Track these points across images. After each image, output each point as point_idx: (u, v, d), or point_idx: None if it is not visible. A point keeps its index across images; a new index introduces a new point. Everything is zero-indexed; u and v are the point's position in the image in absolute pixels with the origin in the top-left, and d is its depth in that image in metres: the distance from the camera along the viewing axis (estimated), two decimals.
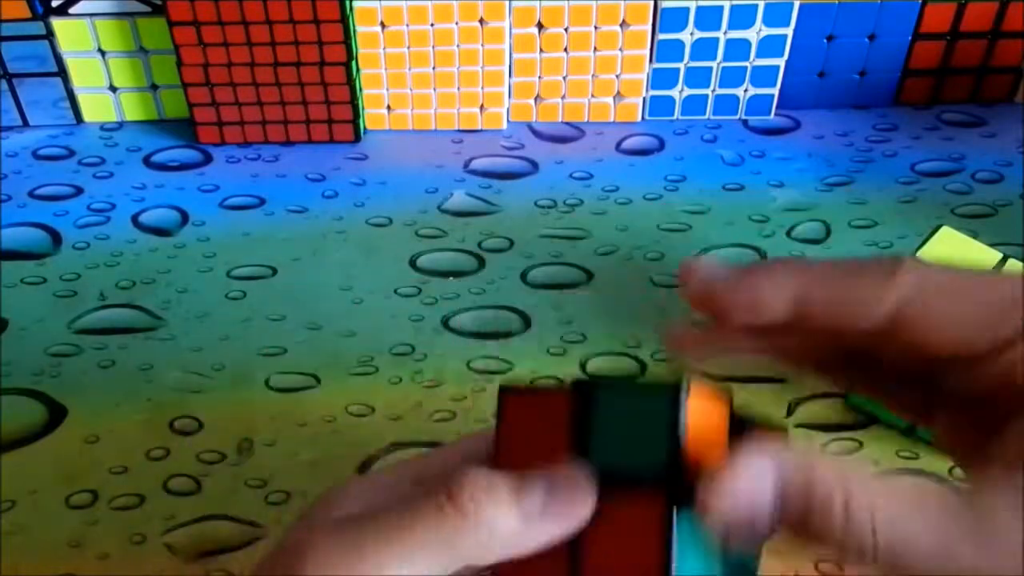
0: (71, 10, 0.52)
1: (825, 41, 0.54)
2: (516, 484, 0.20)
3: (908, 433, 0.36)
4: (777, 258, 0.23)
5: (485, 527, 0.20)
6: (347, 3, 0.49)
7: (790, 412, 0.38)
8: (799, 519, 0.19)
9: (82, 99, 0.55)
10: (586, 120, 0.55)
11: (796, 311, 0.22)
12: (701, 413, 0.21)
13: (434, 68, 0.53)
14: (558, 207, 0.49)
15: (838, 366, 0.24)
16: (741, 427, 0.21)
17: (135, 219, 0.48)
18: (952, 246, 0.36)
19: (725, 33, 0.52)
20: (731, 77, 0.54)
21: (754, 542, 0.20)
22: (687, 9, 0.51)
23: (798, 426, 0.37)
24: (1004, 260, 0.36)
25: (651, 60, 0.53)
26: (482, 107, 0.54)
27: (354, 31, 0.51)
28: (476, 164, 0.52)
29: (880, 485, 0.19)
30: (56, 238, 0.47)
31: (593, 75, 0.54)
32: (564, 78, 0.54)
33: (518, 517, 0.20)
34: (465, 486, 0.20)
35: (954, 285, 0.21)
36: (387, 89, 0.53)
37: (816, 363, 0.24)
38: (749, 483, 0.19)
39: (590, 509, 0.20)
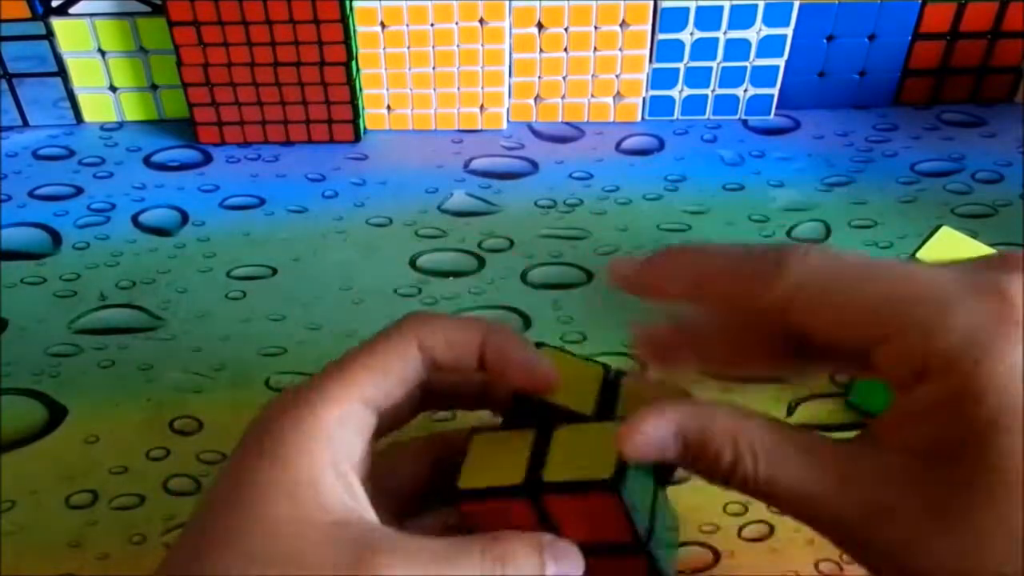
0: (71, 10, 0.52)
1: (825, 41, 0.54)
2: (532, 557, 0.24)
3: None
4: (679, 245, 0.26)
5: None
6: (347, 3, 0.49)
7: (790, 412, 0.38)
8: (696, 454, 0.23)
9: (82, 99, 0.55)
10: (586, 120, 0.55)
11: (694, 292, 0.25)
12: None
13: (434, 68, 0.53)
14: (558, 207, 0.49)
15: (777, 358, 0.27)
16: None
17: (135, 219, 0.48)
18: (952, 246, 0.36)
19: (725, 33, 0.52)
20: (731, 77, 0.54)
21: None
22: (687, 9, 0.51)
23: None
24: None
25: (651, 60, 0.53)
26: (482, 107, 0.54)
27: (354, 31, 0.51)
28: (476, 164, 0.52)
29: (766, 428, 0.23)
30: (56, 238, 0.47)
31: (593, 75, 0.54)
32: (564, 78, 0.54)
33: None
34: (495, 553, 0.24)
35: (835, 281, 0.23)
36: (387, 89, 0.53)
37: (758, 361, 0.27)
38: (655, 430, 0.23)
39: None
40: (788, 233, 0.47)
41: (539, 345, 0.28)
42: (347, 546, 0.23)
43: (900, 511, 0.21)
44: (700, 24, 0.52)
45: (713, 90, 0.55)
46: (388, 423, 0.28)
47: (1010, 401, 0.21)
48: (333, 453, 0.25)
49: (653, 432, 0.23)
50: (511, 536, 0.25)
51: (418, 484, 0.29)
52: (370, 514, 0.25)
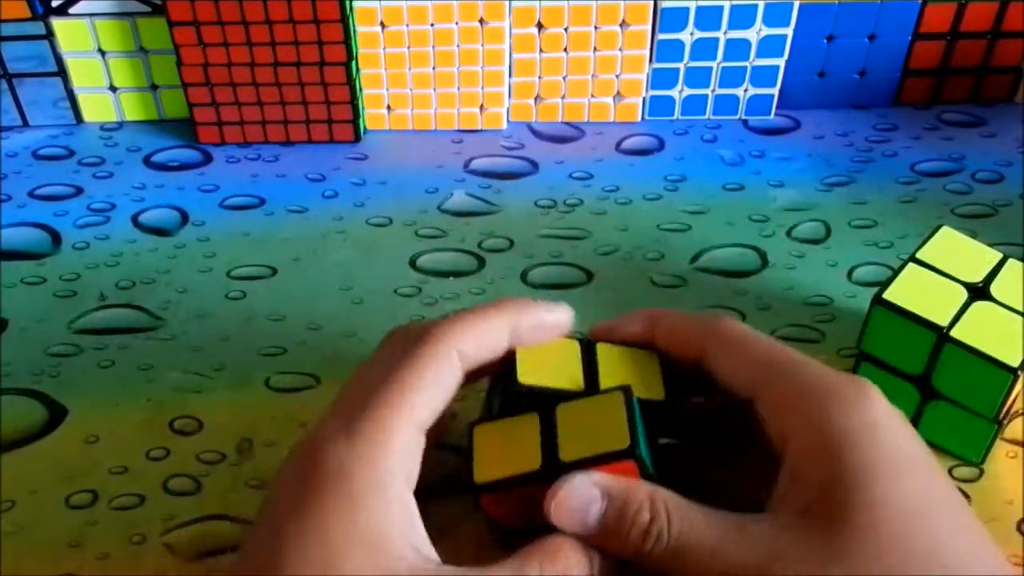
0: (71, 10, 0.52)
1: (825, 41, 0.54)
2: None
3: None
4: (644, 309, 0.32)
5: None
6: (347, 3, 0.49)
7: None
8: (619, 512, 0.25)
9: (82, 99, 0.55)
10: (586, 120, 0.55)
11: (647, 338, 0.30)
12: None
13: (434, 68, 0.53)
14: (558, 207, 0.49)
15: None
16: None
17: (135, 219, 0.48)
18: (952, 246, 0.36)
19: (725, 33, 0.52)
20: (731, 77, 0.54)
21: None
22: (687, 9, 0.51)
23: None
24: (1004, 260, 0.36)
25: (651, 60, 0.53)
26: (482, 107, 0.54)
27: (354, 31, 0.51)
28: (476, 164, 0.52)
29: (675, 495, 0.25)
30: (56, 238, 0.47)
31: (593, 75, 0.54)
32: (564, 78, 0.54)
33: None
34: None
35: (737, 344, 0.28)
36: (387, 89, 0.53)
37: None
38: (581, 499, 0.25)
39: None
40: (788, 233, 0.47)
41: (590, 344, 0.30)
42: None
43: (791, 557, 0.23)
44: (700, 24, 0.52)
45: (713, 90, 0.55)
46: (431, 434, 0.27)
47: (865, 457, 0.24)
48: (399, 488, 0.24)
49: (582, 491, 0.25)
50: (560, 543, 0.25)
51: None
52: (433, 554, 0.24)
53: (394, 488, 0.24)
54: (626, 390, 0.27)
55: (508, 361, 0.29)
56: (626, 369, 0.30)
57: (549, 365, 0.28)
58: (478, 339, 0.27)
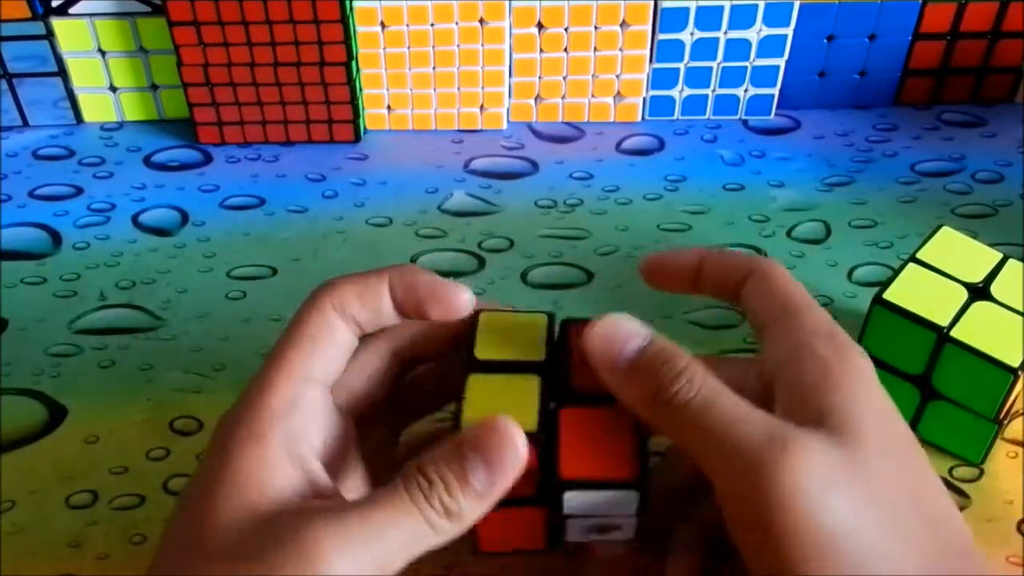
0: (71, 10, 0.52)
1: (825, 41, 0.54)
2: (460, 474, 0.24)
3: None
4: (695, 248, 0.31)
5: (452, 519, 0.24)
6: (347, 3, 0.49)
7: None
8: (651, 357, 0.25)
9: (82, 99, 0.55)
10: (586, 120, 0.55)
11: (697, 274, 0.30)
12: None
13: (434, 68, 0.53)
14: (558, 207, 0.49)
15: None
16: None
17: (135, 219, 0.48)
18: (952, 246, 0.36)
19: (725, 33, 0.52)
20: (731, 77, 0.54)
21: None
22: (687, 9, 0.51)
23: None
24: (1004, 260, 0.36)
25: (651, 60, 0.53)
26: (482, 107, 0.54)
27: (354, 31, 0.51)
28: (476, 164, 0.52)
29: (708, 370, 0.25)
30: (56, 238, 0.47)
31: (593, 75, 0.54)
32: (564, 78, 0.54)
33: (475, 498, 0.24)
34: (421, 487, 0.24)
35: (768, 279, 0.29)
36: (387, 89, 0.53)
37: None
38: (623, 332, 0.26)
39: (523, 449, 0.24)
40: (788, 233, 0.47)
41: (479, 313, 0.29)
42: (288, 532, 0.23)
43: (813, 450, 0.23)
44: (700, 24, 0.52)
45: (713, 90, 0.55)
46: (352, 401, 0.28)
47: (861, 399, 0.25)
48: (285, 436, 0.25)
49: (626, 324, 0.26)
50: (433, 452, 0.25)
51: (380, 387, 0.29)
52: (325, 493, 0.25)
53: (272, 435, 0.25)
54: (549, 315, 0.28)
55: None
56: (508, 340, 0.29)
57: (516, 339, 0.28)
58: (353, 289, 0.27)
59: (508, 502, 0.25)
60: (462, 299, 0.28)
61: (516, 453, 0.24)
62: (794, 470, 0.22)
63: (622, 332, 0.26)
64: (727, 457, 0.24)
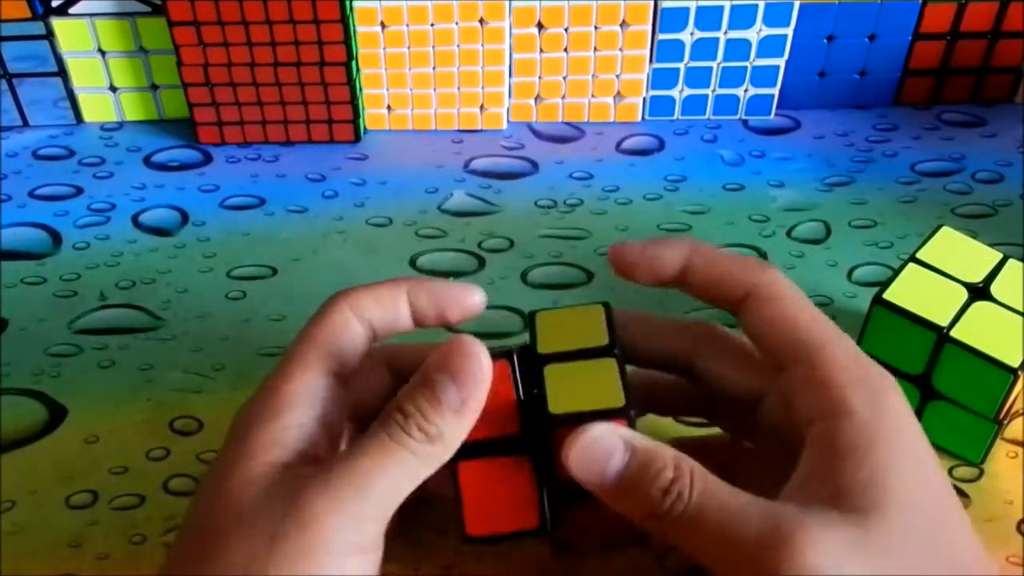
0: (71, 10, 0.52)
1: (825, 41, 0.54)
2: (431, 397, 0.24)
3: None
4: (674, 237, 0.30)
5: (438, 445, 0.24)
6: (347, 3, 0.49)
7: None
8: (641, 466, 0.24)
9: (82, 99, 0.55)
10: (586, 120, 0.55)
11: (682, 276, 0.28)
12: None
13: (434, 68, 0.53)
14: (558, 207, 0.49)
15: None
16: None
17: (135, 219, 0.48)
18: (952, 246, 0.36)
19: (725, 33, 0.52)
20: (731, 77, 0.54)
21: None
22: (687, 9, 0.51)
23: None
24: (1004, 260, 0.36)
25: (651, 60, 0.53)
26: (482, 107, 0.54)
27: (354, 31, 0.51)
28: (476, 164, 0.52)
29: (698, 464, 0.25)
30: (56, 238, 0.47)
31: (593, 75, 0.54)
32: (564, 78, 0.54)
33: (452, 417, 0.24)
34: (398, 422, 0.24)
35: (778, 303, 0.27)
36: (387, 89, 0.53)
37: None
38: (604, 448, 0.25)
39: (487, 360, 0.25)
40: (788, 233, 0.47)
41: (533, 314, 0.30)
42: (283, 499, 0.23)
43: (821, 540, 0.22)
44: (700, 24, 0.52)
45: (713, 90, 0.55)
46: (367, 403, 0.29)
47: (893, 453, 0.24)
48: (299, 417, 0.25)
49: (605, 440, 0.25)
50: (405, 387, 0.25)
51: (379, 399, 0.29)
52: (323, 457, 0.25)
53: (287, 415, 0.25)
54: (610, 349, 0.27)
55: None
56: (569, 333, 0.29)
57: (577, 329, 0.28)
58: (372, 294, 0.28)
59: (492, 449, 0.26)
60: (475, 298, 0.29)
61: (480, 363, 0.25)
62: (800, 560, 0.22)
63: (601, 451, 0.25)
64: (731, 557, 0.23)
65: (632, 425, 0.25)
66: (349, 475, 0.23)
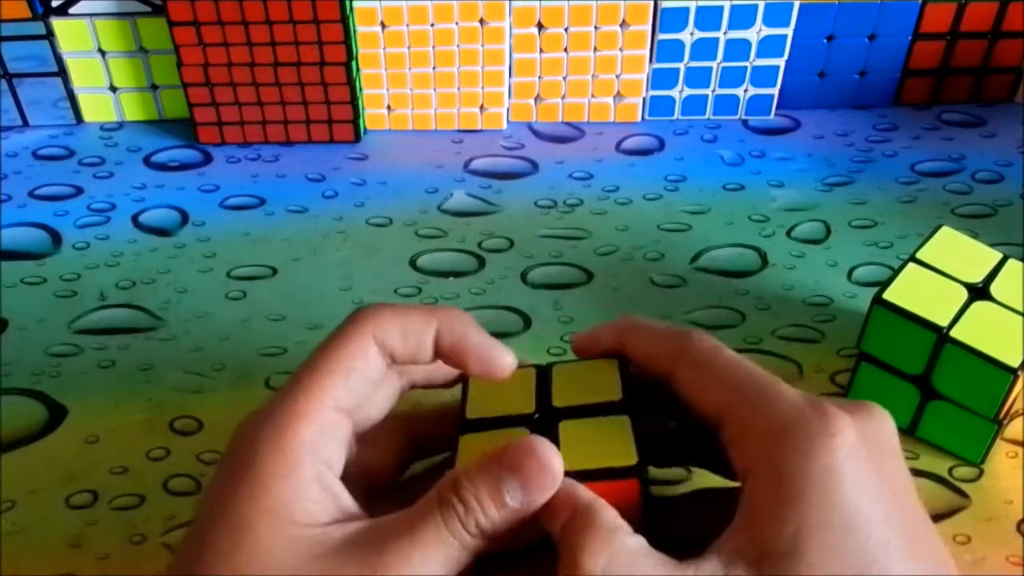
0: (71, 10, 0.52)
1: (825, 41, 0.54)
2: (495, 495, 0.24)
3: (908, 433, 0.36)
4: (621, 319, 0.30)
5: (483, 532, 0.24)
6: (347, 3, 0.49)
7: None
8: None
9: (82, 99, 0.55)
10: (586, 120, 0.55)
11: (619, 348, 0.29)
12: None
13: (434, 68, 0.53)
14: (558, 207, 0.49)
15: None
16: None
17: (135, 219, 0.48)
18: (952, 246, 0.36)
19: (725, 33, 0.52)
20: (731, 77, 0.54)
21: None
22: (687, 9, 0.51)
23: None
24: (1004, 260, 0.36)
25: (651, 60, 0.53)
26: (482, 107, 0.54)
27: (354, 31, 0.51)
28: (476, 164, 0.52)
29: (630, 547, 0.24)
30: (56, 238, 0.47)
31: (593, 75, 0.54)
32: (564, 78, 0.54)
33: (508, 514, 0.24)
34: (458, 513, 0.24)
35: (704, 367, 0.27)
36: (387, 89, 0.53)
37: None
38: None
39: (559, 466, 0.24)
40: (788, 233, 0.47)
41: (549, 366, 0.30)
42: (336, 554, 0.23)
43: None
44: (700, 24, 0.52)
45: (713, 90, 0.55)
46: (362, 423, 0.28)
47: (820, 510, 0.23)
48: (317, 468, 0.25)
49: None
50: (468, 472, 0.25)
51: (390, 464, 0.29)
52: (357, 516, 0.25)
53: (305, 467, 0.25)
54: (624, 405, 0.27)
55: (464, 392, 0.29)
56: (582, 386, 0.29)
57: (502, 394, 0.28)
58: (400, 325, 0.27)
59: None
60: (505, 361, 0.28)
61: (553, 473, 0.24)
62: None
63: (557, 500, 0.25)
64: None
65: (645, 485, 0.25)
66: (398, 559, 0.23)
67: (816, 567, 0.22)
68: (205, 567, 0.24)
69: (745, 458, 0.25)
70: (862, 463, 0.24)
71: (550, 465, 0.24)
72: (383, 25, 0.51)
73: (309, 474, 0.25)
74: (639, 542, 0.23)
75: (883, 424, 0.26)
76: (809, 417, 0.24)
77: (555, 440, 0.26)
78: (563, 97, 0.54)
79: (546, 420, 0.27)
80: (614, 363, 0.29)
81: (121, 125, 0.56)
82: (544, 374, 0.29)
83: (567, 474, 0.25)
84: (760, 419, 0.25)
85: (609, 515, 0.24)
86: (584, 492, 0.25)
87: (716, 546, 0.24)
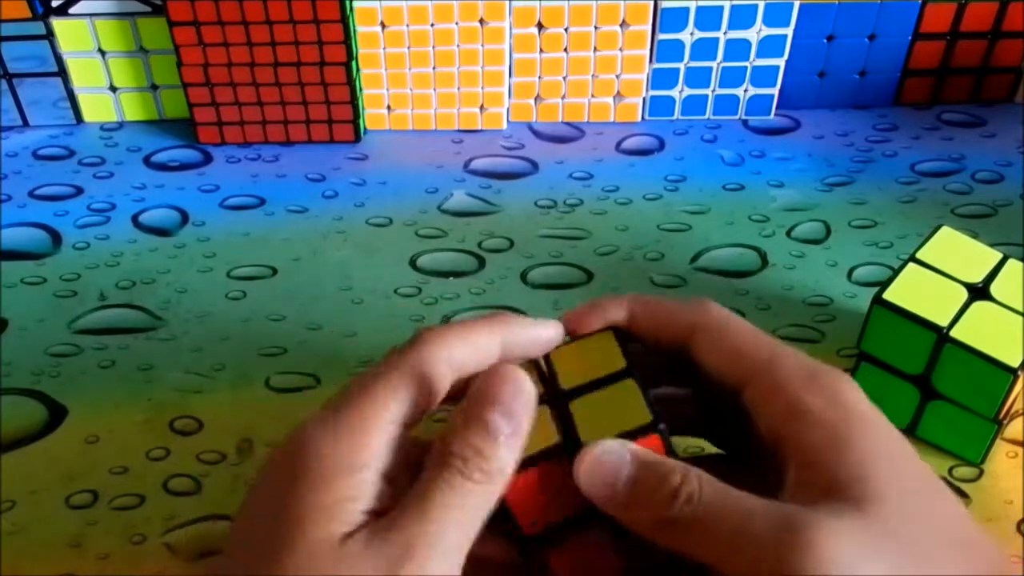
0: (71, 10, 0.52)
1: (825, 41, 0.54)
2: (484, 436, 0.24)
3: (908, 433, 0.36)
4: (623, 295, 0.31)
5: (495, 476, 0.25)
6: (347, 3, 0.49)
7: None
8: (646, 472, 0.25)
9: (82, 99, 0.55)
10: (586, 120, 0.55)
11: (630, 321, 0.29)
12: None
13: (434, 68, 0.53)
14: (558, 207, 0.49)
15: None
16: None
17: (135, 219, 0.48)
18: (952, 246, 0.36)
19: (725, 33, 0.52)
20: (731, 77, 0.54)
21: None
22: (687, 9, 0.51)
23: None
24: (1004, 260, 0.36)
25: (651, 60, 0.53)
26: (482, 107, 0.54)
27: (354, 31, 0.51)
28: (476, 164, 0.52)
29: (704, 472, 0.25)
30: (56, 238, 0.47)
31: (593, 75, 0.54)
32: (564, 78, 0.54)
33: (507, 450, 0.25)
34: (459, 468, 0.24)
35: (723, 333, 0.28)
36: (387, 89, 0.53)
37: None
38: (612, 462, 0.25)
39: (529, 384, 0.25)
40: (788, 233, 0.47)
41: (547, 356, 0.30)
42: (383, 549, 0.23)
43: (829, 532, 0.23)
44: (700, 24, 0.52)
45: (713, 90, 0.55)
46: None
47: (869, 444, 0.25)
48: (372, 475, 0.25)
49: (613, 453, 0.25)
50: (452, 428, 0.25)
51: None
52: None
53: (367, 474, 0.25)
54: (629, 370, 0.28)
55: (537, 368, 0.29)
56: (584, 363, 0.29)
57: (593, 360, 0.29)
58: (469, 349, 0.27)
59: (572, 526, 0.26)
60: (553, 331, 0.29)
61: (524, 388, 0.25)
62: (816, 554, 0.22)
63: (610, 463, 0.25)
64: (744, 556, 0.23)
65: (665, 438, 0.26)
66: (425, 536, 0.23)
67: (883, 487, 0.23)
68: (264, 561, 0.24)
69: (777, 412, 0.26)
70: (875, 407, 0.26)
71: (521, 381, 0.25)
72: (383, 25, 0.51)
73: (368, 477, 0.25)
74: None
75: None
76: (826, 371, 0.26)
77: (569, 421, 0.27)
78: (563, 97, 0.54)
79: (558, 404, 0.28)
80: (610, 335, 0.29)
81: (121, 125, 0.56)
82: (547, 358, 0.30)
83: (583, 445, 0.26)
84: (785, 374, 0.26)
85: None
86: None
87: (784, 497, 0.24)
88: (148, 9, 0.52)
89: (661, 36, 0.52)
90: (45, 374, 0.40)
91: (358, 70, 0.52)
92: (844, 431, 0.25)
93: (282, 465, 0.25)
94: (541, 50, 0.53)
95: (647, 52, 0.53)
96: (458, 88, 0.53)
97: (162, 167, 0.52)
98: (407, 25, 0.51)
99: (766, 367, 0.27)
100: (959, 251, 0.36)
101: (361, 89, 0.53)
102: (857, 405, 0.25)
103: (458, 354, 0.27)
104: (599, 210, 0.49)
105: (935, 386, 0.34)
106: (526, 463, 0.26)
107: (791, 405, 0.25)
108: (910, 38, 0.54)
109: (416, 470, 0.26)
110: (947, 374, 0.34)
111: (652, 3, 0.51)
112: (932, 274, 0.35)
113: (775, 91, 0.55)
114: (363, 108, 0.54)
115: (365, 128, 0.55)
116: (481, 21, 0.51)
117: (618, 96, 0.54)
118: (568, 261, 0.45)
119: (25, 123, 0.55)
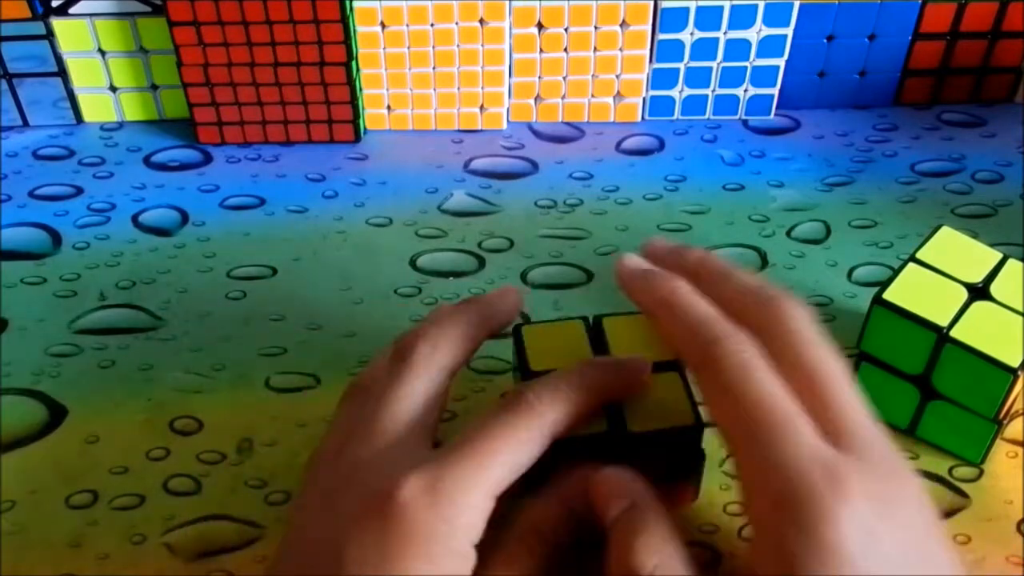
0: (71, 10, 0.52)
1: (825, 41, 0.54)
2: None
3: (908, 433, 0.36)
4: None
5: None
6: (347, 3, 0.49)
7: None
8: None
9: (82, 99, 0.55)
10: (586, 120, 0.55)
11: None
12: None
13: (434, 68, 0.53)
14: (558, 207, 0.49)
15: None
16: None
17: (135, 219, 0.48)
18: (952, 246, 0.36)
19: (725, 33, 0.52)
20: (731, 77, 0.54)
21: None
22: (687, 9, 0.51)
23: None
24: (1004, 260, 0.36)
25: (651, 60, 0.53)
26: (482, 107, 0.54)
27: (354, 31, 0.51)
28: (476, 164, 0.52)
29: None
30: (56, 238, 0.47)
31: (593, 75, 0.54)
32: (564, 78, 0.54)
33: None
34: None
35: (722, 393, 0.27)
36: (387, 89, 0.53)
37: None
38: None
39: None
40: (788, 233, 0.47)
41: (517, 328, 0.33)
42: None
43: None
44: (700, 24, 0.52)
45: (713, 90, 0.55)
46: None
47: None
48: (467, 546, 0.26)
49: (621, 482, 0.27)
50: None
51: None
52: None
53: (464, 546, 0.26)
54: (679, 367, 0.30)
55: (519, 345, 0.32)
56: (636, 339, 0.31)
57: (558, 347, 0.31)
58: (574, 409, 0.28)
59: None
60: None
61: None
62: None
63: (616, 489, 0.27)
64: None
65: (683, 375, 0.30)
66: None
67: None
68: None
69: (750, 514, 0.25)
70: (870, 528, 0.23)
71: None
72: (383, 25, 0.51)
73: (463, 550, 0.25)
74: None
75: (900, 477, 0.26)
76: (815, 481, 0.24)
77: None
78: (563, 97, 0.54)
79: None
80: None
81: (121, 125, 0.56)
82: (596, 327, 0.32)
83: (631, 435, 0.28)
84: (766, 478, 0.24)
85: (662, 515, 0.26)
86: (639, 486, 0.27)
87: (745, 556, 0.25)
88: (148, 9, 0.52)
89: (661, 36, 0.52)
90: (45, 374, 0.40)
91: (358, 70, 0.52)
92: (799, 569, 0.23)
93: (384, 533, 0.25)
94: (541, 50, 0.53)
95: (647, 52, 0.53)
96: (458, 88, 0.53)
97: (162, 167, 0.52)
98: (407, 25, 0.51)
99: (750, 460, 0.25)
100: (959, 251, 0.36)
101: (361, 89, 0.53)
102: (823, 546, 0.23)
103: (563, 421, 0.28)
104: (599, 210, 0.49)
105: (935, 386, 0.34)
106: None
107: (761, 521, 0.25)
108: (910, 38, 0.54)
109: None
110: (947, 374, 0.34)
111: (652, 3, 0.51)
112: (932, 274, 0.35)
113: (775, 91, 0.55)
114: (363, 108, 0.54)
115: (365, 128, 0.55)
116: (481, 21, 0.51)
117: (618, 96, 0.54)
118: (568, 261, 0.45)
119: (25, 123, 0.55)
